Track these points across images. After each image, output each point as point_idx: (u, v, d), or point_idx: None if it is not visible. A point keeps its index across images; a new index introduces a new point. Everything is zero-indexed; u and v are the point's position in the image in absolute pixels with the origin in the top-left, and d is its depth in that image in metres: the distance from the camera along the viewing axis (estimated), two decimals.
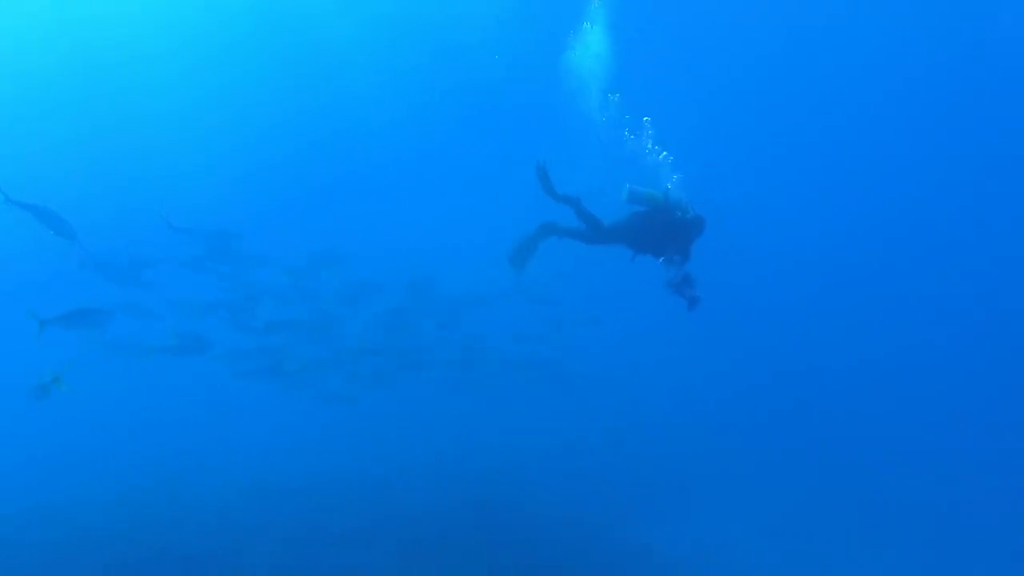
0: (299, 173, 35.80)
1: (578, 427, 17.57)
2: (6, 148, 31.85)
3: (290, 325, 14.67)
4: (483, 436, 16.35)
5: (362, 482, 13.00)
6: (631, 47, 12.99)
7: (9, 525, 10.61)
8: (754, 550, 11.89)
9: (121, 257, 14.85)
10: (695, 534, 12.09)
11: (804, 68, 27.15)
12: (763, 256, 30.94)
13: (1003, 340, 27.82)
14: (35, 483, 13.04)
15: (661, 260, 6.95)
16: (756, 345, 26.46)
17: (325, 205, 34.07)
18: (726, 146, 29.77)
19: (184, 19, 29.03)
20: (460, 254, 23.31)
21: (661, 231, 6.87)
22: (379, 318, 15.96)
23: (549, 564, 9.55)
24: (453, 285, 16.89)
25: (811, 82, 27.71)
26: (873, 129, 28.81)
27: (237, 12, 28.16)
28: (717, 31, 25.04)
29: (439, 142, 33.60)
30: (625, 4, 11.13)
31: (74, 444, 15.89)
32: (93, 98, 32.55)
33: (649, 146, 7.54)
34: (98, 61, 30.95)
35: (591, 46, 10.10)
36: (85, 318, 9.53)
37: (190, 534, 10.07)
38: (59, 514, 11.10)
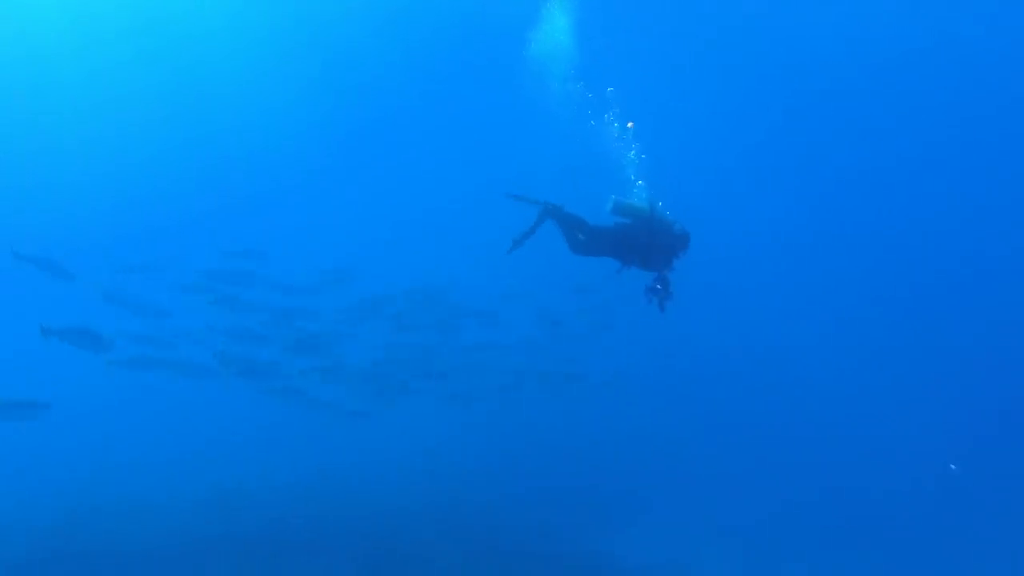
0: (302, 190, 36.06)
1: (559, 437, 17.81)
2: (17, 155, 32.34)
3: (295, 342, 14.75)
4: (467, 446, 16.62)
5: (329, 491, 13.20)
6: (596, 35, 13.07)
7: None
8: (720, 560, 11.98)
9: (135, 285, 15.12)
10: (663, 543, 12.26)
11: (778, 60, 27.15)
12: (732, 256, 30.54)
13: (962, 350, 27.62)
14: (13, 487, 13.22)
15: (654, 278, 7.00)
16: (724, 355, 26.39)
17: (328, 220, 34.20)
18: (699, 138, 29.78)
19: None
20: (465, 264, 23.45)
21: (645, 244, 6.89)
22: (383, 331, 16.05)
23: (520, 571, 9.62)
24: (459, 296, 16.96)
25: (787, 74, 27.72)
26: (846, 117, 28.71)
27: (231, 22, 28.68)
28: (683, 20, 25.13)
29: (439, 149, 33.69)
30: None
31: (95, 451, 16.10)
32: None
33: (615, 123, 7.56)
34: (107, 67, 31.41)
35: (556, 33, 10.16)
36: (87, 337, 9.79)
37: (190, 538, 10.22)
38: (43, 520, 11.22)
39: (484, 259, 22.86)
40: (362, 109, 33.55)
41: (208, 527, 10.74)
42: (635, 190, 7.21)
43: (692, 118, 29.50)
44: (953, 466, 17.84)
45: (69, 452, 15.70)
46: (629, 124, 7.47)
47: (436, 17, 26.83)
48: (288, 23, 28.56)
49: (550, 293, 17.88)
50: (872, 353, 27.75)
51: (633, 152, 7.23)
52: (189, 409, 18.15)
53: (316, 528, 10.91)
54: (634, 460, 17.17)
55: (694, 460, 17.81)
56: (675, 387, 23.42)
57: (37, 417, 9.94)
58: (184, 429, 17.56)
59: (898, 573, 13.36)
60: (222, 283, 14.94)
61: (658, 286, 6.82)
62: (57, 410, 10.08)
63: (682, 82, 28.34)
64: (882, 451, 20.59)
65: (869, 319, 29.74)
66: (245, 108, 33.86)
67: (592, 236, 7.04)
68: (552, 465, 16.12)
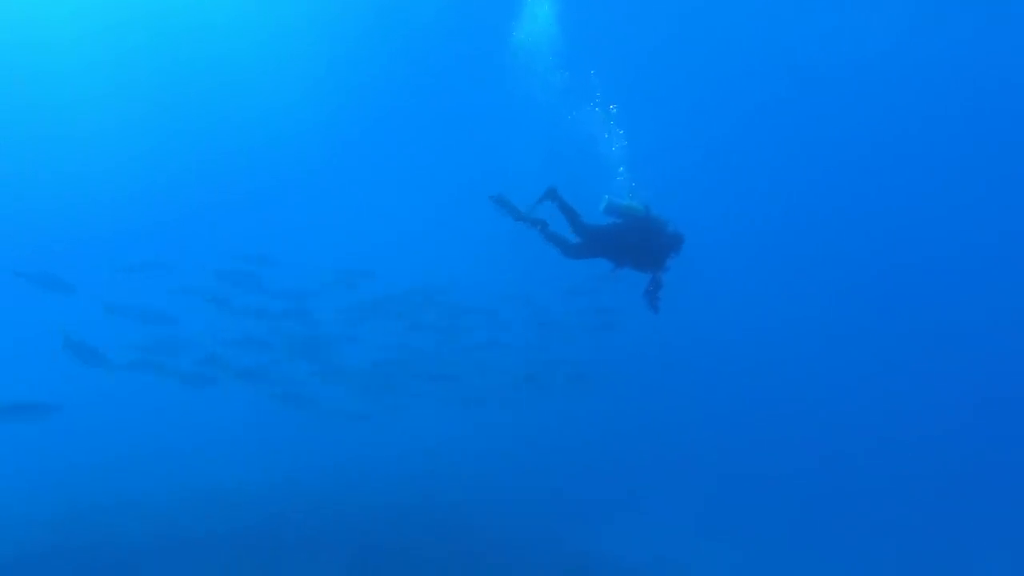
0: (301, 192, 36.12)
1: (557, 437, 17.87)
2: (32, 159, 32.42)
3: (296, 344, 14.81)
4: (466, 446, 16.68)
5: (329, 491, 13.24)
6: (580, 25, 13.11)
7: None
8: (717, 558, 12.03)
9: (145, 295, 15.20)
10: (660, 542, 12.33)
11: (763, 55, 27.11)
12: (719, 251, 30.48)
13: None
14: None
15: (650, 279, 7.05)
16: (722, 354, 26.36)
17: (327, 221, 34.23)
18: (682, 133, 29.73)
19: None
20: (465, 265, 23.48)
21: (638, 244, 6.92)
22: (383, 333, 16.10)
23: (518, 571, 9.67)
24: (459, 296, 16.98)
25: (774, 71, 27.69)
26: (838, 107, 28.61)
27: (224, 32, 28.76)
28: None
29: (437, 150, 33.67)
30: None
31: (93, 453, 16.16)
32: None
33: (598, 108, 7.61)
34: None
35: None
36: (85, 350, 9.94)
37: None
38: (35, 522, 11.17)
39: (484, 259, 22.95)
40: (360, 111, 33.62)
41: (209, 525, 10.82)
42: (617, 178, 7.25)
43: (676, 106, 29.48)
44: None
45: (72, 452, 15.82)
46: (612, 107, 7.53)
47: (429, 18, 26.92)
48: (287, 22, 28.61)
49: (549, 294, 17.94)
50: (869, 352, 27.73)
51: (620, 135, 7.29)
52: (191, 411, 18.26)
53: (316, 528, 10.97)
54: (632, 459, 17.24)
55: (692, 459, 17.87)
56: (672, 386, 23.47)
57: (48, 418, 10.06)
58: (186, 430, 17.69)
59: (896, 571, 13.36)
60: (223, 286, 15.02)
61: (651, 287, 6.89)
62: (61, 411, 10.19)
63: (665, 70, 28.29)
64: (880, 449, 20.60)
65: (867, 319, 29.68)
66: (246, 112, 33.99)
67: (585, 235, 7.08)
68: (550, 465, 16.19)
